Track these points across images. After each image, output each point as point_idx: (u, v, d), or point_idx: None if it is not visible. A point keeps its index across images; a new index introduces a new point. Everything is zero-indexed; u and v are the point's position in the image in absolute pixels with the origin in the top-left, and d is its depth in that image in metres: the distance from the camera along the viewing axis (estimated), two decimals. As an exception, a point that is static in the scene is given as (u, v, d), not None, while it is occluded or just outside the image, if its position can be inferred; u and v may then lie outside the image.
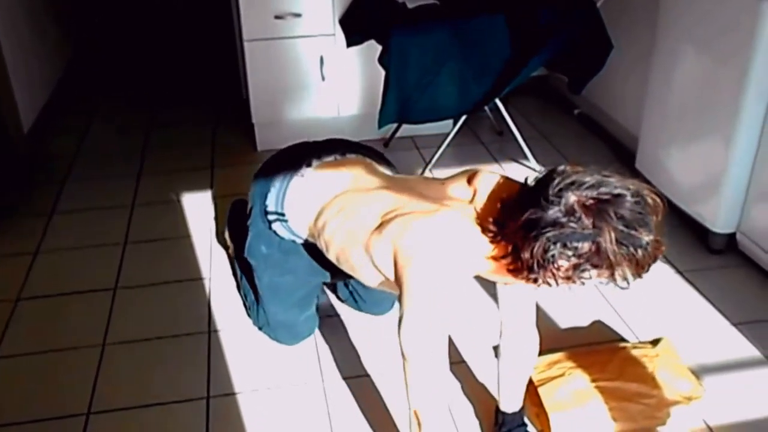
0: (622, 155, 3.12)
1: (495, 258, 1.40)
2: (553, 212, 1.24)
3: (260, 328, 2.12)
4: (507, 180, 1.52)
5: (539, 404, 1.77)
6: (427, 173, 3.01)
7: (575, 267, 1.26)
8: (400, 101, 2.78)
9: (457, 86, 2.81)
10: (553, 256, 1.25)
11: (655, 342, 1.95)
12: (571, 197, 1.25)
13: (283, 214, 1.87)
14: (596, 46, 2.86)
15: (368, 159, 1.92)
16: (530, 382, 1.80)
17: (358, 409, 1.86)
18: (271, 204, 1.88)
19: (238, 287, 2.30)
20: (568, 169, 1.31)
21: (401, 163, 3.19)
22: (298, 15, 3.00)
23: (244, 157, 3.26)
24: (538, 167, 3.09)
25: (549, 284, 1.30)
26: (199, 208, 2.82)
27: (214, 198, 2.89)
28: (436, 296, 1.41)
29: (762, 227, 2.29)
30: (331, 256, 1.74)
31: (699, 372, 1.93)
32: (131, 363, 2.03)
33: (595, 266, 1.26)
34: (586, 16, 2.80)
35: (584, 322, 2.15)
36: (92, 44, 4.93)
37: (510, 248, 1.34)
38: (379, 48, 2.91)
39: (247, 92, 3.22)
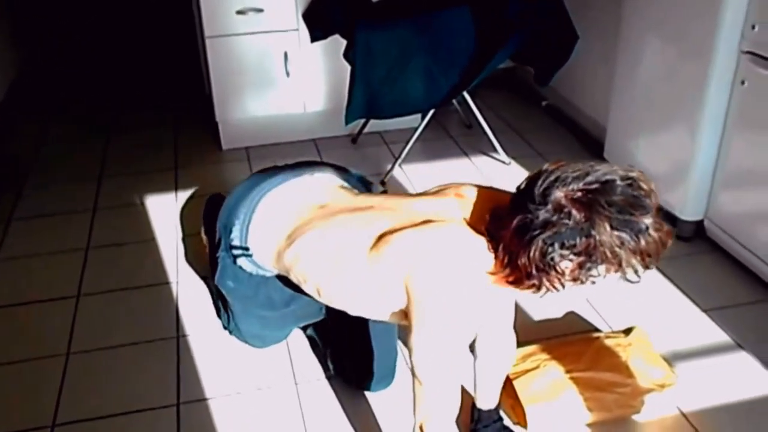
0: (591, 145, 3.16)
1: (493, 272, 1.35)
2: (542, 212, 1.21)
3: (230, 332, 2.11)
4: (496, 191, 1.48)
5: (515, 397, 1.79)
6: (396, 168, 3.02)
7: (580, 266, 1.22)
8: (367, 96, 2.78)
9: (425, 80, 2.82)
10: (552, 259, 1.21)
11: (627, 331, 1.98)
12: (558, 193, 1.21)
13: (247, 248, 1.79)
14: (562, 37, 2.89)
15: (337, 178, 1.85)
16: (505, 375, 1.83)
17: (332, 410, 1.86)
18: (235, 238, 1.80)
19: (210, 291, 2.29)
20: (552, 166, 1.27)
21: (370, 159, 3.20)
22: (260, 10, 2.99)
23: (208, 157, 3.23)
24: (507, 160, 3.12)
25: (556, 289, 1.26)
26: (163, 211, 2.79)
27: (179, 200, 2.87)
28: (452, 315, 1.37)
29: (729, 213, 2.34)
30: (310, 288, 1.64)
31: (671, 359, 1.96)
32: (97, 372, 2.01)
33: (599, 262, 1.21)
34: (551, 7, 2.83)
35: (557, 314, 2.18)
36: (49, 45, 4.86)
37: (506, 259, 1.30)
38: (344, 42, 2.91)
39: (210, 90, 3.19)
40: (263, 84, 3.15)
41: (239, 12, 2.98)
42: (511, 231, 1.25)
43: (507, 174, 3.04)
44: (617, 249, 1.19)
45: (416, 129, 3.08)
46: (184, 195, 2.90)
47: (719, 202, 2.37)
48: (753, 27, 2.12)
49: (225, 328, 2.13)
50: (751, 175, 2.21)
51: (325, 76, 3.20)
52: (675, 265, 2.37)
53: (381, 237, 1.46)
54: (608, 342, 1.92)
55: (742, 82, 2.18)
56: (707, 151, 2.33)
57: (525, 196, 1.25)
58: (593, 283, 1.26)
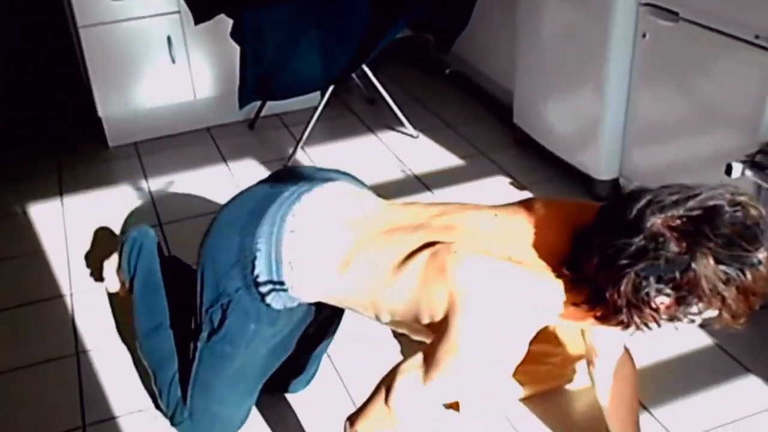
0: (499, 111, 3.19)
1: (575, 303, 1.25)
2: (636, 241, 1.12)
3: (175, 425, 1.76)
4: (573, 206, 1.39)
5: (444, 379, 1.79)
6: (299, 151, 2.97)
7: (678, 302, 1.14)
8: (260, 77, 2.73)
9: (320, 55, 2.78)
10: (647, 294, 1.12)
11: (552, 298, 2.00)
12: (655, 219, 1.12)
13: (282, 283, 1.52)
14: (459, 2, 2.90)
15: (347, 184, 1.64)
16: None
17: (253, 413, 1.81)
18: (263, 273, 1.51)
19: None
20: (641, 188, 1.20)
21: (270, 144, 3.14)
22: (136, -7, 2.88)
23: (94, 156, 3.10)
24: (414, 133, 3.12)
25: (649, 327, 1.18)
26: (49, 218, 2.67)
27: (66, 205, 2.74)
28: (488, 364, 1.28)
29: (642, 169, 2.40)
30: (383, 317, 1.46)
31: (598, 322, 2.01)
32: (-11, 402, 1.90)
33: (699, 299, 1.13)
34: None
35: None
36: None
37: (592, 292, 1.20)
38: (231, 22, 2.83)
39: (89, 84, 3.06)
40: (147, 73, 3.04)
41: (113, -3, 2.85)
42: (599, 260, 1.17)
43: (416, 147, 3.04)
44: (720, 286, 1.11)
45: (316, 108, 3.04)
46: (70, 200, 2.77)
47: (632, 159, 2.43)
48: (649, -22, 2.17)
49: (171, 422, 1.77)
50: (660, 128, 2.28)
51: (213, 59, 3.11)
52: (593, 226, 2.42)
53: (438, 251, 1.34)
54: (534, 311, 1.94)
55: (644, 35, 2.23)
56: (615, 107, 2.39)
57: (615, 220, 1.18)
58: (691, 321, 1.18)
